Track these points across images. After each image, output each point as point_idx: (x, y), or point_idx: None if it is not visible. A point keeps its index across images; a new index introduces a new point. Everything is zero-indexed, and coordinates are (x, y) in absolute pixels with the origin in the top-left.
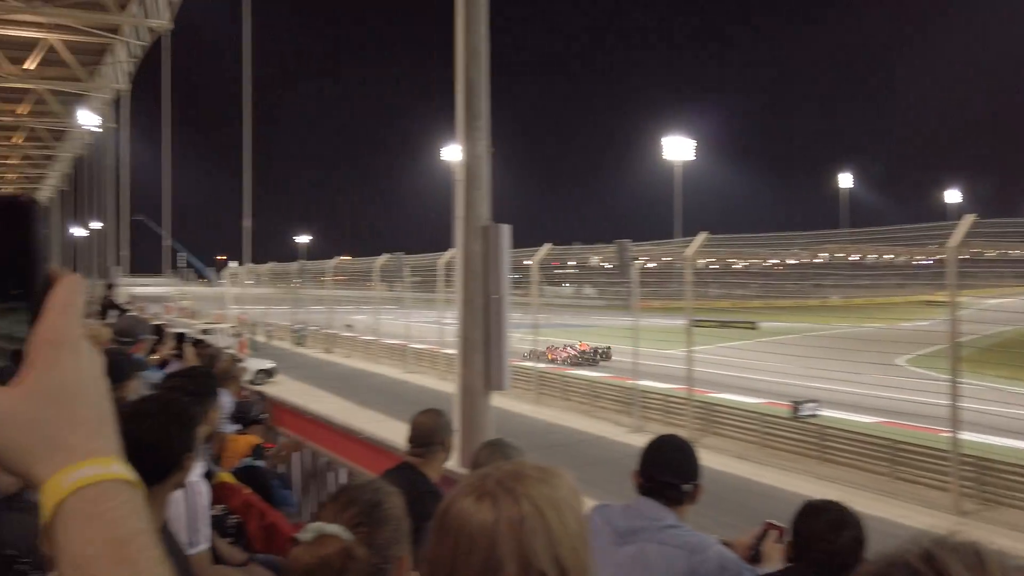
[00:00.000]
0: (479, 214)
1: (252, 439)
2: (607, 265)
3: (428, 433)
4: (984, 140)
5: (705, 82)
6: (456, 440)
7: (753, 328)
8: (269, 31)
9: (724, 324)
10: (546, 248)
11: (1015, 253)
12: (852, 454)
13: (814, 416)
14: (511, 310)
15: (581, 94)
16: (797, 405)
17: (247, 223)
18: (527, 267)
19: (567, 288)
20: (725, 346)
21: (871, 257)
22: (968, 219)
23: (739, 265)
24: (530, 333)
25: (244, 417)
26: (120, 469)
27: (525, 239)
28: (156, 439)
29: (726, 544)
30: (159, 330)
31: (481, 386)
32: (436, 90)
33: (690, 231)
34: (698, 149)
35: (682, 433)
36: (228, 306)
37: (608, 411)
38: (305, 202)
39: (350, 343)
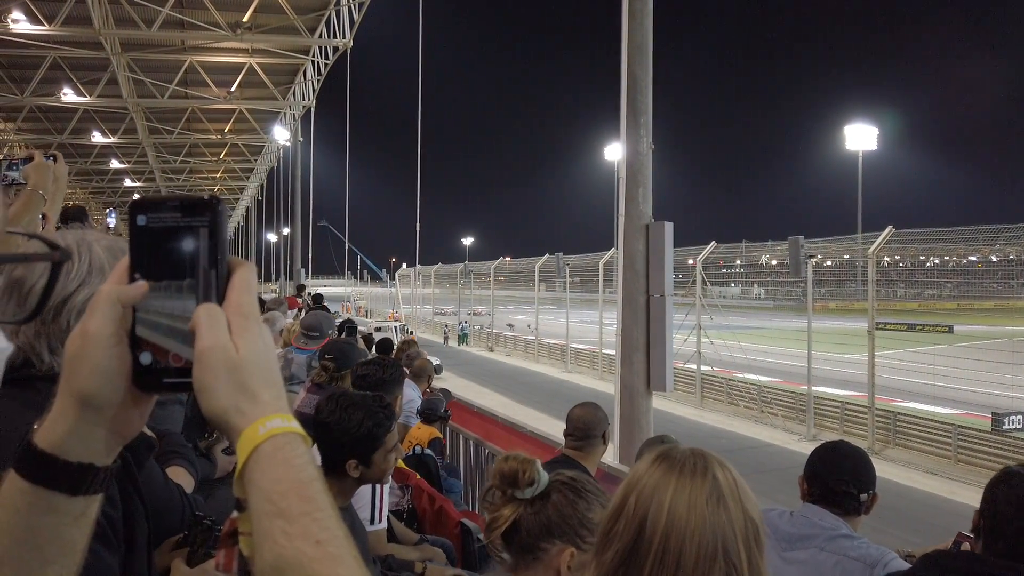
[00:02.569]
0: (641, 212)
1: (432, 431)
2: (776, 263)
3: (586, 426)
4: None
5: (892, 64)
6: (615, 439)
7: (949, 332)
8: (436, 40)
9: (914, 327)
10: (711, 247)
11: None
12: None
13: (1021, 430)
14: (673, 311)
15: (751, 80)
16: (1000, 417)
17: (417, 227)
18: (691, 266)
19: (734, 288)
20: (914, 351)
21: None
22: None
23: (931, 262)
24: (692, 334)
25: (432, 414)
26: (298, 426)
27: (690, 238)
28: (362, 433)
29: (909, 557)
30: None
31: (642, 386)
32: (600, 88)
33: (873, 226)
34: (882, 137)
35: (862, 443)
36: (399, 305)
37: (778, 418)
38: (470, 205)
39: (511, 342)
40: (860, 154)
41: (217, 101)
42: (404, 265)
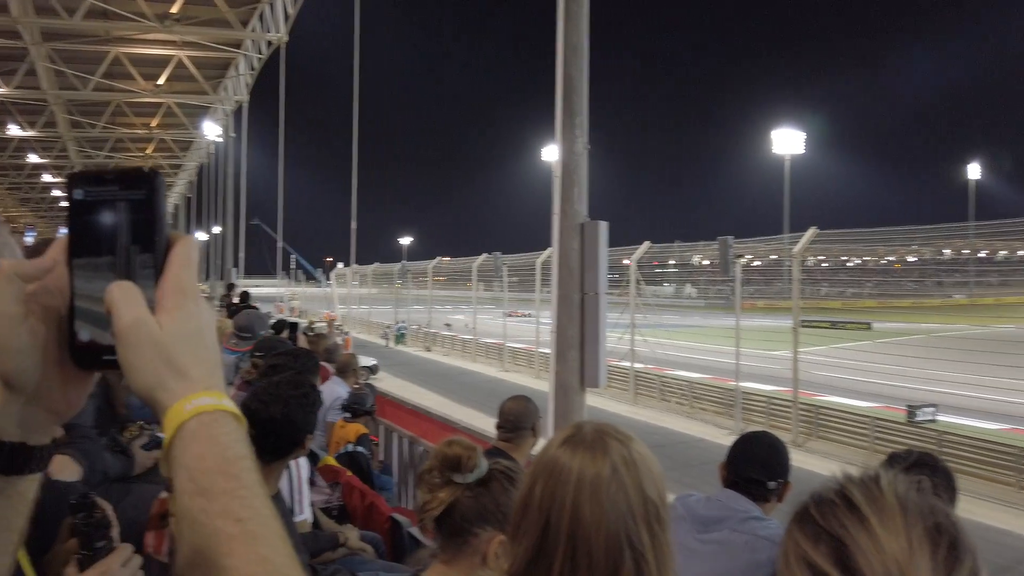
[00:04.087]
0: (577, 211)
1: (359, 428)
2: (708, 263)
3: (516, 418)
4: None
5: (815, 72)
6: (550, 435)
7: (867, 329)
8: (373, 38)
9: (835, 324)
10: (645, 246)
11: None
12: (973, 462)
13: (932, 421)
14: (608, 309)
15: (685, 84)
16: (913, 409)
17: (353, 226)
18: (626, 266)
19: (667, 288)
20: (836, 347)
21: (1002, 253)
22: None
23: (853, 262)
24: (627, 333)
25: (357, 408)
26: (230, 404)
27: (625, 238)
28: (288, 419)
29: None
30: (284, 325)
31: (576, 383)
32: (538, 89)
33: (799, 227)
34: (808, 142)
35: (786, 436)
36: (335, 306)
37: (708, 413)
38: (409, 204)
39: (449, 342)
40: (787, 158)
41: (144, 94)
42: (340, 265)
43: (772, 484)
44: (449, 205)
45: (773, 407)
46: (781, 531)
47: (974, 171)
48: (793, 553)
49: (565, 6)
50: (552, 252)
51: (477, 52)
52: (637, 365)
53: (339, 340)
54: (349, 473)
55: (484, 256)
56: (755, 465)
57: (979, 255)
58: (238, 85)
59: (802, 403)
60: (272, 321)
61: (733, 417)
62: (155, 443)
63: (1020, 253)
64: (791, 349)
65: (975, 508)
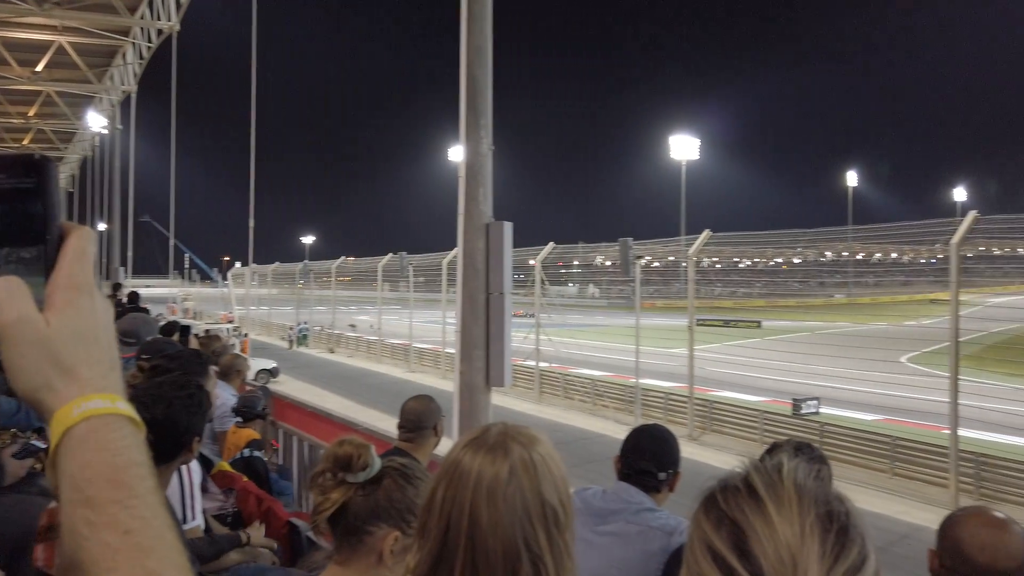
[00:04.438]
0: (482, 211)
1: (251, 433)
2: (610, 264)
3: (417, 417)
4: (991, 138)
5: (711, 81)
6: (454, 434)
7: (757, 327)
8: (275, 30)
9: (728, 323)
10: (549, 247)
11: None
12: (852, 451)
13: (815, 413)
14: (513, 308)
15: (586, 94)
16: (798, 403)
17: (251, 223)
18: (531, 266)
19: (571, 288)
20: (729, 345)
21: (877, 255)
22: (970, 216)
23: (744, 264)
24: (532, 332)
25: (248, 412)
26: (126, 407)
27: (530, 239)
28: (171, 420)
29: None
30: (175, 327)
31: (481, 382)
32: (443, 89)
33: (695, 229)
34: (703, 147)
35: (682, 431)
36: (232, 307)
37: (609, 409)
38: (311, 203)
39: (353, 343)
40: (683, 163)
41: (20, 81)
42: (238, 264)
43: (662, 475)
44: (355, 204)
45: (671, 403)
46: (672, 521)
47: (852, 178)
48: (697, 537)
49: (468, 8)
50: (457, 252)
51: (384, 48)
52: (542, 364)
53: (236, 342)
54: (245, 479)
55: (389, 256)
56: (645, 457)
57: (857, 257)
58: (126, 74)
59: (697, 399)
60: (162, 324)
61: (633, 413)
62: (27, 452)
63: (893, 256)
64: (687, 347)
65: (853, 494)
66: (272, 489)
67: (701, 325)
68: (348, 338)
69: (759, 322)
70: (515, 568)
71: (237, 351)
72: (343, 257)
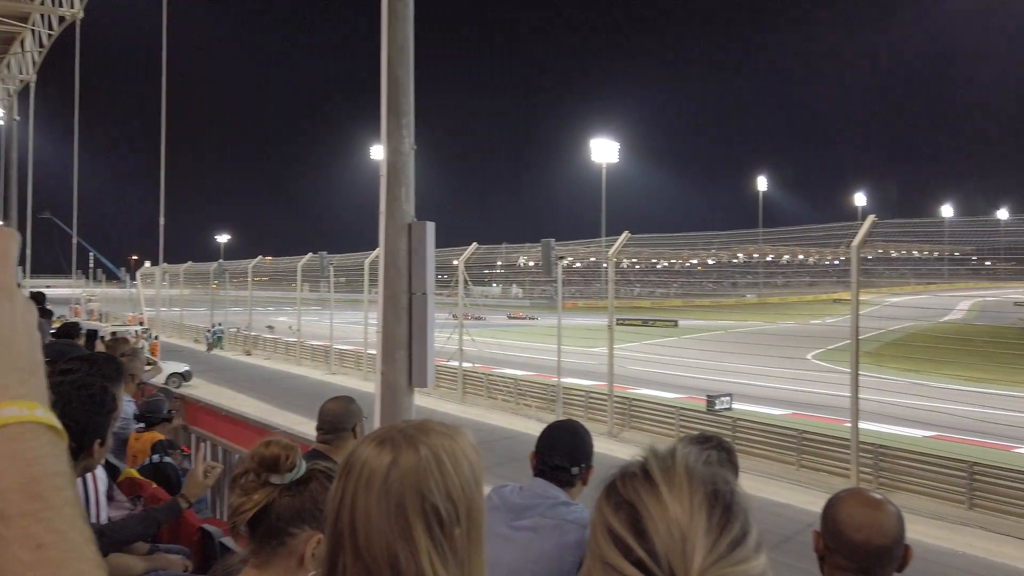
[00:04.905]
0: (404, 211)
1: (154, 436)
2: (533, 264)
3: (336, 419)
4: (891, 146)
5: (632, 86)
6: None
7: (674, 326)
8: (187, 19)
9: (646, 322)
10: (473, 247)
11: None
12: (762, 444)
13: (728, 409)
14: (436, 309)
15: (511, 96)
16: (712, 399)
17: (162, 221)
18: (454, 267)
19: (495, 288)
20: (648, 343)
21: (785, 257)
22: (869, 220)
23: (661, 265)
24: (455, 332)
25: (152, 417)
26: (45, 415)
27: (454, 239)
28: (70, 420)
29: None
30: (74, 328)
31: (404, 383)
32: (366, 84)
33: (616, 231)
34: (624, 151)
35: (602, 428)
36: (142, 308)
37: (532, 408)
38: (227, 201)
39: (271, 345)
40: (604, 166)
41: None
42: (147, 263)
43: (575, 469)
44: (275, 203)
45: (591, 401)
46: (587, 514)
47: (762, 183)
48: (599, 521)
49: (390, 6)
50: (379, 252)
51: (302, 41)
52: (465, 364)
53: (144, 345)
54: (154, 486)
55: (309, 255)
56: (558, 452)
57: (767, 259)
58: (24, 63)
59: (617, 396)
60: (57, 325)
61: (555, 412)
62: None
63: (800, 258)
64: (607, 346)
65: (763, 486)
66: None
67: (621, 325)
68: (266, 340)
69: (676, 321)
70: (395, 563)
71: (147, 354)
72: (260, 256)
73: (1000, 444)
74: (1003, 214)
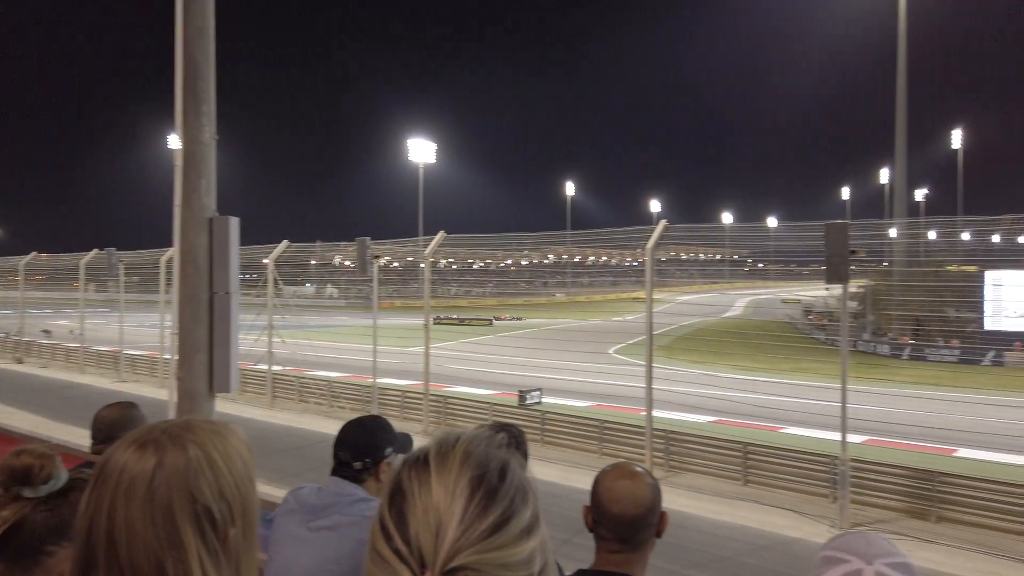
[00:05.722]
0: (204, 205)
1: None
2: (349, 264)
3: (110, 427)
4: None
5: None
6: None
7: (490, 324)
8: None
9: (463, 321)
10: (284, 245)
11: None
12: (568, 435)
13: (538, 403)
14: (243, 310)
15: (327, 91)
16: (523, 394)
17: None
18: (264, 265)
19: (309, 288)
20: (464, 342)
21: (591, 258)
22: (661, 224)
23: (478, 265)
24: (264, 335)
25: None
26: None
27: (267, 237)
28: None
29: None
30: None
31: (204, 389)
32: (161, 71)
33: (433, 231)
34: (441, 152)
35: (417, 427)
36: None
37: (347, 410)
38: None
39: (48, 351)
40: (421, 165)
41: None
42: None
43: (357, 464)
44: (54, 195)
45: (407, 400)
46: None
47: (571, 188)
48: (378, 511)
49: None
50: (175, 248)
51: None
52: (275, 367)
53: None
54: None
55: (95, 252)
56: (344, 448)
57: (575, 260)
58: None
59: (433, 395)
60: None
61: (370, 413)
62: None
63: (604, 259)
64: (424, 345)
65: (568, 474)
66: None
67: (438, 324)
68: (42, 345)
69: (491, 320)
70: (161, 569)
71: None
72: (34, 253)
73: (770, 426)
74: (772, 222)
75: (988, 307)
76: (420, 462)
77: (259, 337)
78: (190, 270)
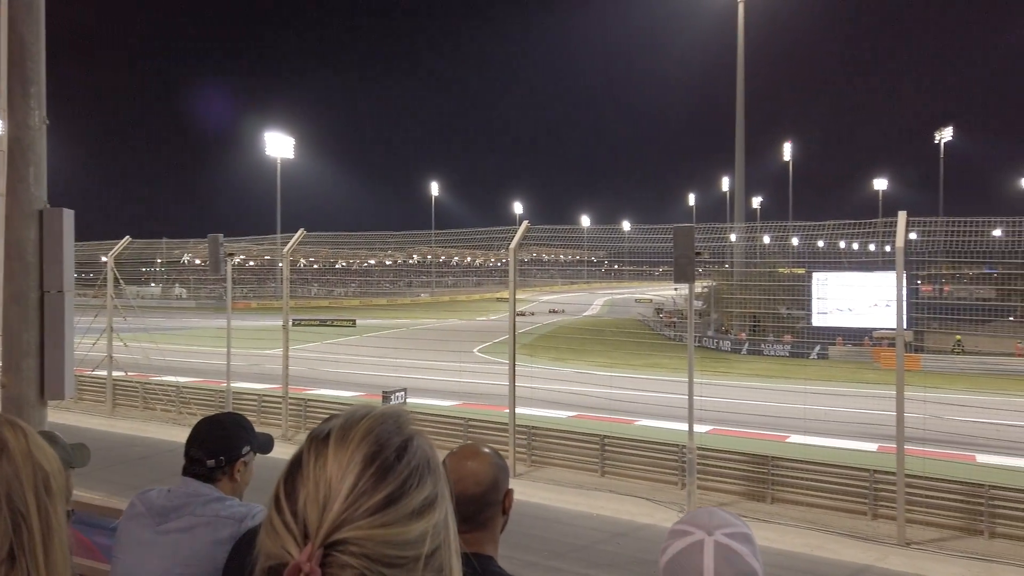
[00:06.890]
0: (33, 195)
1: None
2: (200, 262)
3: None
4: (545, 156)
5: (310, 85)
6: None
7: (353, 325)
8: None
9: (324, 322)
10: (125, 241)
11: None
12: (434, 434)
13: (403, 403)
14: (79, 311)
15: (174, 76)
16: (388, 395)
17: None
18: (103, 263)
19: (154, 288)
20: (327, 343)
21: (455, 258)
22: (523, 225)
23: (340, 264)
24: (103, 338)
25: None
26: None
27: (108, 233)
28: None
29: None
30: None
31: (34, 395)
32: None
33: (293, 228)
34: (301, 148)
35: (277, 431)
36: None
37: (197, 417)
38: None
39: None
40: (279, 160)
41: None
42: None
43: (211, 462)
44: None
45: (264, 404)
46: (243, 509)
47: (435, 188)
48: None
49: None
50: None
51: None
52: (116, 373)
53: None
54: None
55: None
56: (197, 445)
57: (439, 260)
58: None
59: (292, 398)
60: None
61: None
62: None
63: (468, 259)
64: (283, 347)
65: None
66: None
67: (297, 326)
68: None
69: (354, 320)
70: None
71: None
72: None
73: (624, 419)
74: (626, 225)
75: (815, 305)
76: (322, 436)
77: (97, 340)
78: (17, 266)
